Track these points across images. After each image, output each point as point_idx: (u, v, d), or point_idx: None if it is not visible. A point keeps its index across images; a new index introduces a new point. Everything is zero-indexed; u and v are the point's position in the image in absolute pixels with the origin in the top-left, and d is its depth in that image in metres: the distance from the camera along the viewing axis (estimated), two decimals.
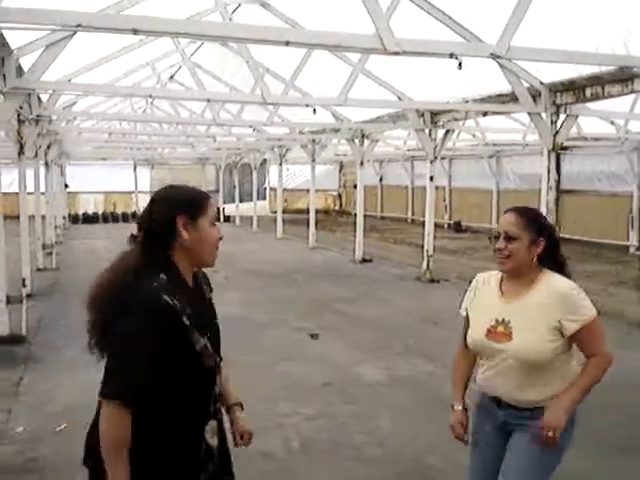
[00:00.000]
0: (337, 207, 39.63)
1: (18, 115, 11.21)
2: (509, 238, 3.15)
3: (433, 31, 7.91)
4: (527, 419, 3.16)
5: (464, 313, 3.45)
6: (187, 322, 2.48)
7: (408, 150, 25.77)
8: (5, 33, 7.42)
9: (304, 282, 14.62)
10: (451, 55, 6.36)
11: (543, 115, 10.51)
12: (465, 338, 3.40)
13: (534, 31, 7.25)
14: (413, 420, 6.40)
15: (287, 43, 5.89)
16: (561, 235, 18.52)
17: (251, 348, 8.70)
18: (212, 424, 2.67)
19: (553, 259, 3.24)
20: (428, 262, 14.46)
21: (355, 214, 19.46)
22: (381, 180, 35.74)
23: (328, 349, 9.00)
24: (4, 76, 8.24)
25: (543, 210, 10.62)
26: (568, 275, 3.24)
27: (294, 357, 8.53)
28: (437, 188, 16.11)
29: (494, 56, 6.62)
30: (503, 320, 3.17)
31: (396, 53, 6.03)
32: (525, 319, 3.12)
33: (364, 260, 17.70)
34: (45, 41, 8.06)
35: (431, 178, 14.72)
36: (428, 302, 12.20)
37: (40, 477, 5.13)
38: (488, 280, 3.38)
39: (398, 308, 11.74)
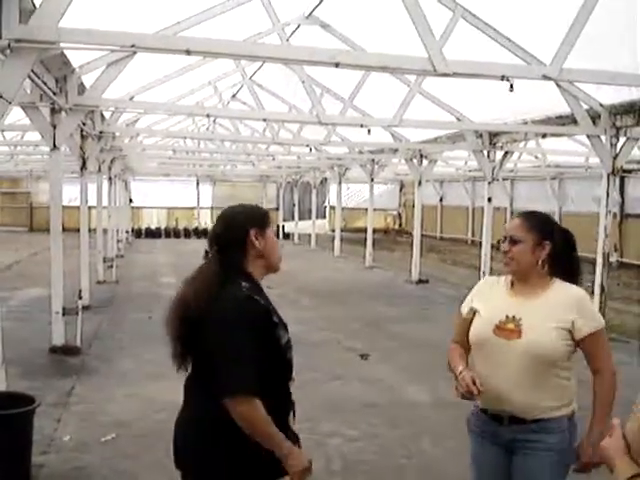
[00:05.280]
0: (397, 226, 39.50)
1: (81, 131, 11.54)
2: (513, 241, 3.23)
3: (487, 52, 7.85)
4: (533, 433, 3.15)
5: (465, 312, 3.47)
6: (276, 319, 2.82)
7: (469, 171, 25.57)
8: (67, 52, 7.65)
9: (358, 301, 14.58)
10: (502, 77, 6.32)
11: (602, 138, 10.31)
12: (461, 335, 3.47)
13: (592, 52, 7.14)
14: (457, 444, 6.26)
15: (337, 65, 5.94)
16: (624, 260, 18.06)
17: (299, 367, 8.64)
18: (291, 414, 2.94)
19: (565, 267, 3.29)
20: None
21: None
22: (441, 200, 35.51)
23: (377, 370, 8.95)
24: (66, 93, 8.52)
25: (601, 234, 10.39)
26: (579, 285, 3.29)
27: (342, 377, 8.51)
28: (498, 210, 15.92)
29: (546, 78, 6.53)
30: (514, 317, 3.19)
31: (446, 75, 6.01)
32: (536, 317, 3.15)
33: (420, 281, 17.58)
34: (106, 60, 8.30)
35: (489, 199, 14.55)
36: None
37: None
38: (497, 281, 3.44)
39: (451, 330, 11.58)
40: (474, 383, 3.10)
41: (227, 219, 2.94)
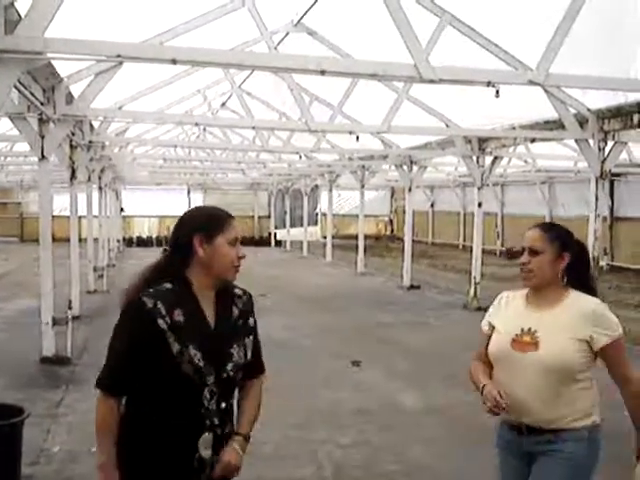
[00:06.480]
0: (388, 233, 39.56)
1: (70, 141, 11.53)
2: (533, 252, 3.18)
3: (474, 58, 7.89)
4: (550, 443, 3.12)
5: (485, 328, 3.45)
6: (163, 326, 2.65)
7: (459, 176, 25.63)
8: (54, 62, 7.65)
9: (349, 308, 14.58)
10: (488, 83, 6.35)
11: (590, 142, 10.37)
12: (483, 350, 3.41)
13: (578, 57, 7.18)
14: (448, 450, 6.31)
15: (323, 72, 5.96)
16: (615, 263, 18.19)
17: (291, 373, 8.71)
18: (206, 437, 2.72)
19: (581, 279, 3.27)
20: (475, 289, 14.25)
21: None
22: (432, 206, 35.58)
23: (369, 376, 8.95)
24: (54, 103, 8.51)
25: (590, 238, 10.43)
26: (596, 297, 3.25)
27: (334, 383, 8.51)
28: (489, 215, 15.93)
29: (532, 83, 6.57)
30: (529, 329, 3.17)
31: (432, 81, 6.04)
32: (553, 329, 3.13)
33: (412, 286, 17.58)
34: (94, 69, 8.30)
35: (479, 205, 14.61)
36: (473, 330, 11.96)
37: None
38: (514, 296, 3.40)
39: (442, 336, 11.62)
40: (501, 396, 3.08)
41: (179, 222, 2.88)
